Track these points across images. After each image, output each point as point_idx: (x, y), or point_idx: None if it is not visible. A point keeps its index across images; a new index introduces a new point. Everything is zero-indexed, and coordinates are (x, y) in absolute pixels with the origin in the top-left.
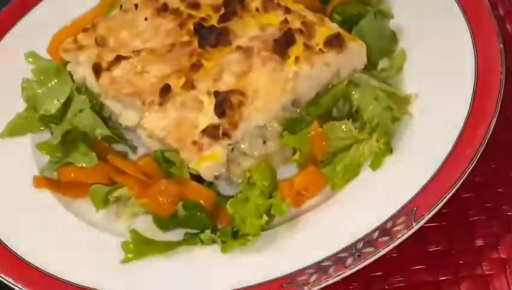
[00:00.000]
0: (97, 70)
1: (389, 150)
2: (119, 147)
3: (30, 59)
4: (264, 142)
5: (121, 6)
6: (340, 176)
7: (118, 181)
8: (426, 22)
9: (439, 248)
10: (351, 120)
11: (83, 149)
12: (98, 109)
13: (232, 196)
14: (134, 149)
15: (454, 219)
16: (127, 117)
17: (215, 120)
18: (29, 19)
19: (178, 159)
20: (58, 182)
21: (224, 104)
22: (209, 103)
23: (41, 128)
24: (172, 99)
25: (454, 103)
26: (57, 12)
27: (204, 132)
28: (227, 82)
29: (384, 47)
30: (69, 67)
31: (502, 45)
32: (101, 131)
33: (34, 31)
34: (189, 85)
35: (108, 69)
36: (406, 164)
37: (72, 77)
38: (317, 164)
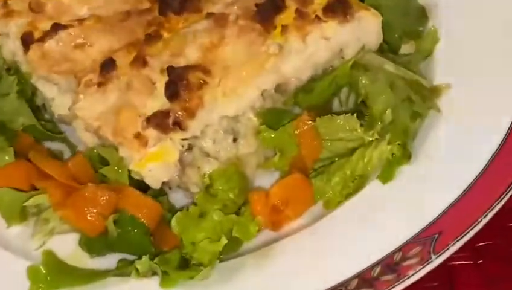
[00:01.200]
0: (27, 41)
1: (407, 157)
2: (55, 145)
3: None
4: (235, 139)
5: None
6: (337, 190)
7: (39, 186)
8: None
9: None
10: (355, 114)
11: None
12: (30, 94)
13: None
14: (72, 148)
15: (494, 253)
16: (61, 104)
17: (166, 104)
18: None
19: (115, 158)
20: None
21: (179, 83)
22: (162, 84)
23: None
24: (115, 78)
25: (497, 100)
26: None
27: (149, 120)
28: (189, 57)
29: (409, 25)
30: None
31: None
32: (24, 120)
33: None
34: (140, 62)
35: (41, 40)
36: (427, 175)
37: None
38: (306, 172)
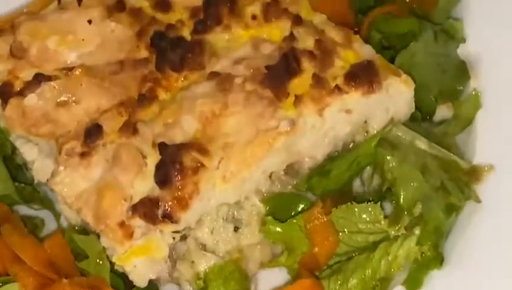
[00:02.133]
0: (5, 93)
1: (439, 260)
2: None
3: None
4: (236, 229)
5: (59, 1)
6: None
7: (10, 272)
8: None
9: None
10: (379, 203)
11: None
12: (10, 152)
13: None
14: (56, 215)
15: None
16: (42, 169)
17: (156, 190)
18: None
19: (96, 248)
20: None
21: (171, 167)
22: (153, 160)
23: None
24: (101, 148)
25: None
26: None
27: (135, 208)
28: (185, 128)
29: (446, 85)
30: None
31: None
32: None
33: None
34: (131, 128)
35: (21, 93)
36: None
37: None
38: (319, 269)
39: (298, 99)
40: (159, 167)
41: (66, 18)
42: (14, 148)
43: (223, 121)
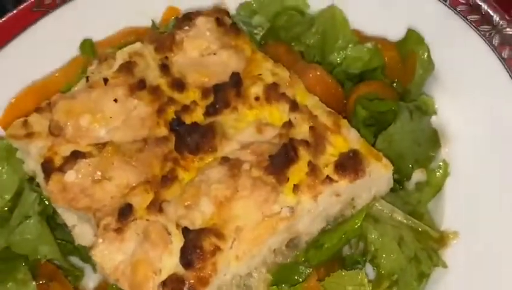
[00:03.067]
0: (47, 169)
1: None
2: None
3: None
4: None
5: (87, 78)
6: None
7: None
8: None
9: None
10: (363, 270)
11: (23, 274)
12: (51, 212)
13: None
14: (94, 266)
15: None
16: (82, 233)
17: (180, 269)
18: None
19: None
20: None
21: (193, 252)
22: (178, 240)
23: None
24: (133, 225)
25: None
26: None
27: (164, 284)
28: (204, 211)
29: (421, 155)
30: (18, 155)
31: None
32: (47, 250)
33: None
34: (157, 207)
35: (61, 169)
36: None
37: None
38: None
39: (296, 187)
40: (183, 251)
41: (94, 97)
42: (54, 210)
43: (234, 204)
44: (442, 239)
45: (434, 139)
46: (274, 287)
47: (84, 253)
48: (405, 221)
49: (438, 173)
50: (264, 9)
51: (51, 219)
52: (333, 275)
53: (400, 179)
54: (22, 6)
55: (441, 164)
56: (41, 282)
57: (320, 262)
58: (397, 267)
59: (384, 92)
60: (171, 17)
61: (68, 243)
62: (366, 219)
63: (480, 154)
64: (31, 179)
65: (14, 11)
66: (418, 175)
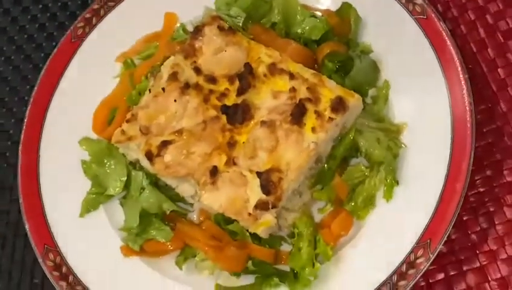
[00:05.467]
0: (150, 157)
1: (396, 182)
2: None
3: (83, 146)
4: (300, 195)
5: (149, 91)
6: (362, 207)
7: (193, 247)
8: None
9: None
10: (361, 163)
11: (157, 224)
12: (155, 179)
13: (282, 237)
14: (191, 205)
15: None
16: (184, 190)
17: (263, 196)
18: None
19: (238, 226)
20: (142, 249)
21: (268, 184)
22: (252, 178)
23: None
24: (220, 177)
25: (437, 131)
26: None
27: (256, 207)
28: (262, 159)
29: (370, 79)
30: (121, 150)
31: (467, 76)
32: (167, 206)
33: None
34: (231, 163)
35: (159, 155)
36: (412, 195)
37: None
38: (343, 202)
39: (313, 129)
40: (262, 185)
41: (160, 102)
42: (157, 177)
43: (279, 149)
44: (398, 129)
45: (375, 67)
46: (315, 189)
47: (184, 199)
48: (375, 125)
49: (384, 88)
50: (239, 1)
51: (156, 185)
52: (346, 172)
53: (362, 99)
54: (62, 40)
55: (384, 80)
56: (171, 224)
57: (336, 167)
58: (381, 155)
59: (339, 47)
60: (170, 23)
61: (173, 195)
62: (354, 132)
63: (409, 70)
64: (131, 163)
65: (55, 50)
66: (372, 92)
